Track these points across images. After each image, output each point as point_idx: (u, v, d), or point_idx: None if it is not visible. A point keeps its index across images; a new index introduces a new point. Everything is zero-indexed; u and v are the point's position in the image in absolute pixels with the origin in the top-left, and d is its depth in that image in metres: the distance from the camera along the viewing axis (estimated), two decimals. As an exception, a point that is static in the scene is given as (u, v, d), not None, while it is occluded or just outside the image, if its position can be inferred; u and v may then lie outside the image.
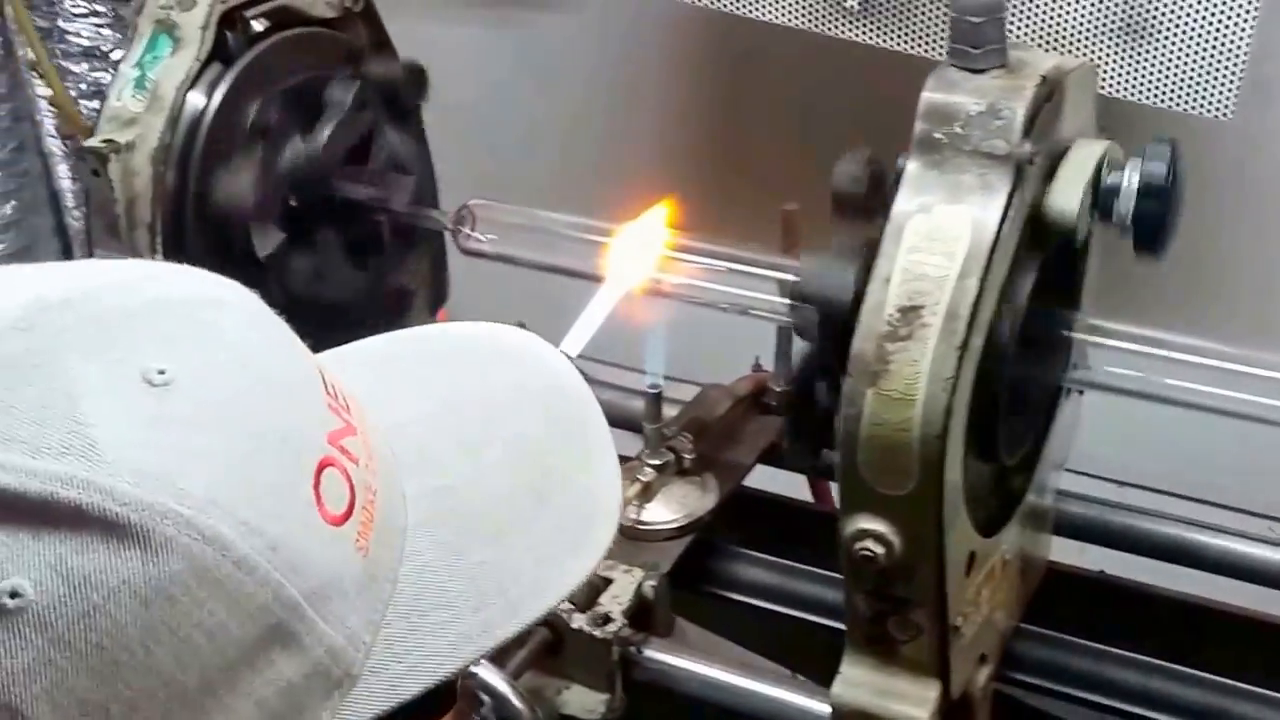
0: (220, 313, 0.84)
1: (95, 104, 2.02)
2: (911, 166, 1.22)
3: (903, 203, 1.21)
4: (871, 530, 1.22)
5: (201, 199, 1.50)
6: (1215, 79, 1.68)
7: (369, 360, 1.02)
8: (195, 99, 1.49)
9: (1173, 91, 1.70)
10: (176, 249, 1.49)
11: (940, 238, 1.19)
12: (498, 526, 0.92)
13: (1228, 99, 1.69)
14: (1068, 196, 1.25)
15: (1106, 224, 1.29)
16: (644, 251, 1.44)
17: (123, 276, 0.84)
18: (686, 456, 1.56)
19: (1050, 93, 1.24)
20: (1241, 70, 1.66)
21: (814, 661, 1.58)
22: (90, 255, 1.51)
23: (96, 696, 0.73)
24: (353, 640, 0.81)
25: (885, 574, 1.24)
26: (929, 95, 1.23)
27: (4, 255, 2.15)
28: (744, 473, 1.63)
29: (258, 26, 1.52)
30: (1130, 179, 1.26)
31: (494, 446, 0.96)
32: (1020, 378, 1.31)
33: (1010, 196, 1.19)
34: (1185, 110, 1.71)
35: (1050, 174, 1.26)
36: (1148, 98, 1.71)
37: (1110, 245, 1.49)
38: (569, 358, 1.29)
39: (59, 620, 0.71)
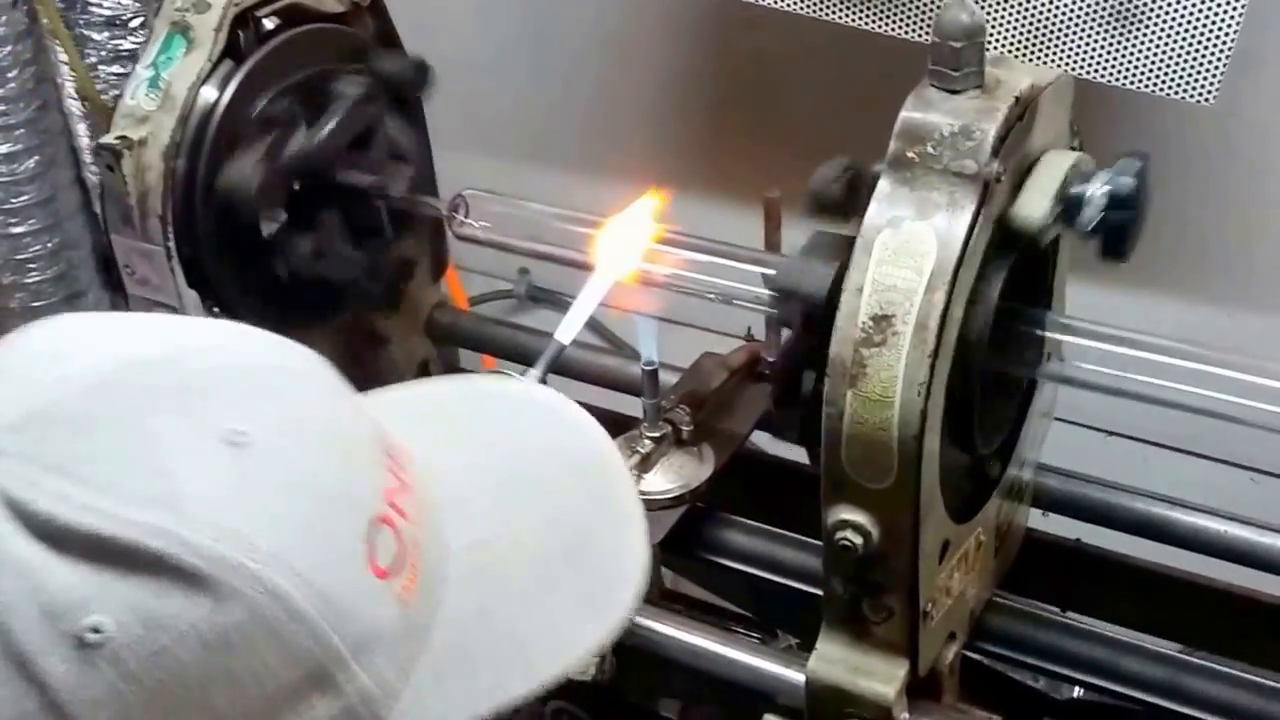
0: (292, 379, 0.92)
1: (115, 69, 2.09)
2: (883, 183, 1.25)
3: (873, 217, 1.25)
4: (852, 521, 1.28)
5: (211, 189, 1.54)
6: (1200, 66, 1.70)
7: (418, 409, 1.08)
8: (207, 94, 1.53)
9: (1157, 77, 1.73)
10: (188, 236, 1.54)
11: (908, 252, 1.22)
12: (528, 586, 0.97)
13: (1211, 85, 1.72)
14: (1034, 205, 1.29)
15: (1071, 231, 1.33)
16: (632, 242, 1.49)
17: (203, 340, 0.91)
18: (684, 428, 1.60)
19: (1023, 112, 1.27)
20: (1227, 57, 1.69)
21: (799, 623, 1.66)
22: (106, 234, 1.56)
23: None
24: (384, 687, 0.87)
25: (862, 562, 1.29)
26: (907, 115, 1.26)
27: (28, 205, 2.23)
28: (740, 441, 1.67)
29: (269, 25, 1.57)
30: (1096, 191, 1.30)
31: (532, 505, 1.01)
32: (994, 374, 1.36)
33: (976, 213, 1.23)
34: (1168, 95, 1.74)
35: (1019, 184, 1.30)
36: (1132, 83, 1.74)
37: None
38: (564, 346, 1.37)
39: (131, 657, 0.78)
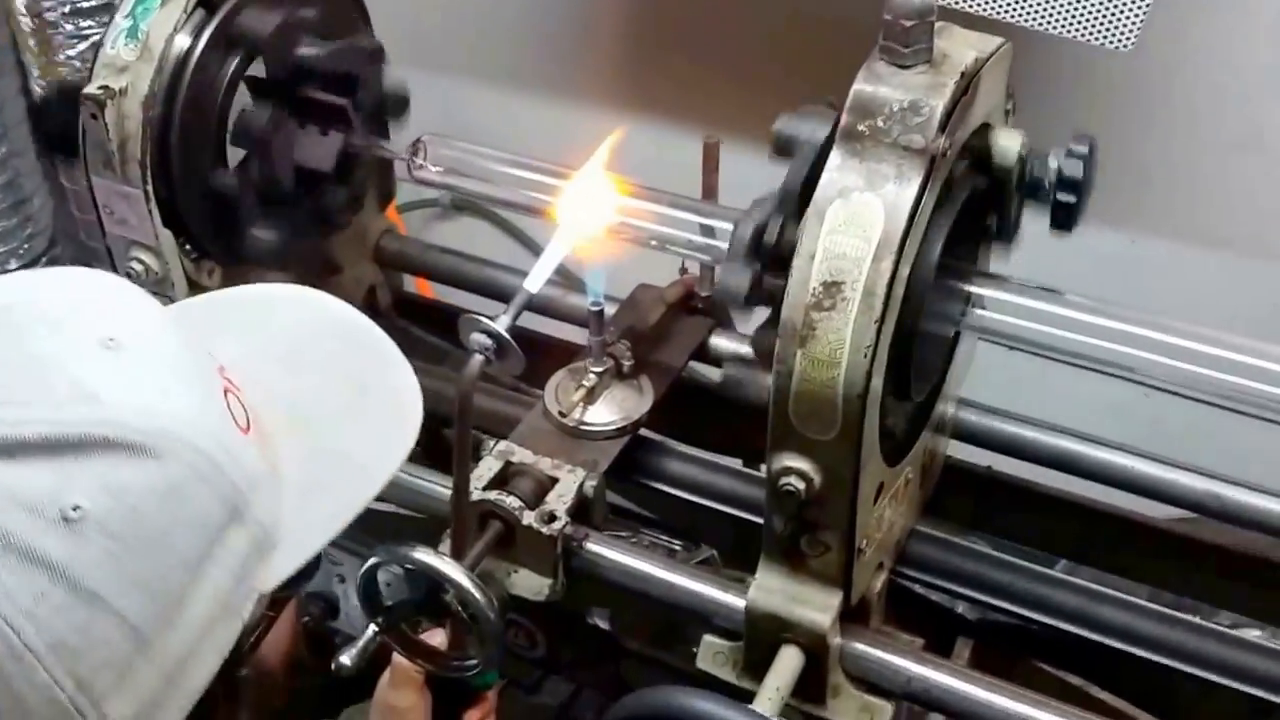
0: (116, 296, 1.10)
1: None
2: (834, 155, 1.31)
3: (825, 187, 1.30)
4: (795, 468, 1.36)
5: (185, 131, 1.60)
6: (1121, 16, 1.79)
7: (192, 308, 1.30)
8: (181, 42, 1.58)
9: (1080, 24, 1.81)
10: (163, 177, 1.61)
11: (857, 223, 1.28)
12: (339, 423, 1.20)
13: (1130, 33, 1.80)
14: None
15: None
16: (597, 200, 1.55)
17: (30, 289, 1.08)
18: (625, 362, 1.69)
19: (968, 86, 1.32)
20: (1147, 8, 1.77)
21: (729, 545, 1.76)
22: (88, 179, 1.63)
23: (143, 574, 0.98)
24: (271, 516, 1.09)
25: (803, 504, 1.37)
26: (859, 88, 1.31)
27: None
28: (677, 373, 1.75)
29: (241, -24, 1.60)
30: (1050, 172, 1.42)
31: (314, 367, 1.23)
32: (929, 329, 1.43)
33: (923, 185, 1.28)
34: (1089, 41, 1.82)
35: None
36: (1056, 28, 1.82)
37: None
38: (532, 295, 1.44)
39: (111, 520, 0.96)
